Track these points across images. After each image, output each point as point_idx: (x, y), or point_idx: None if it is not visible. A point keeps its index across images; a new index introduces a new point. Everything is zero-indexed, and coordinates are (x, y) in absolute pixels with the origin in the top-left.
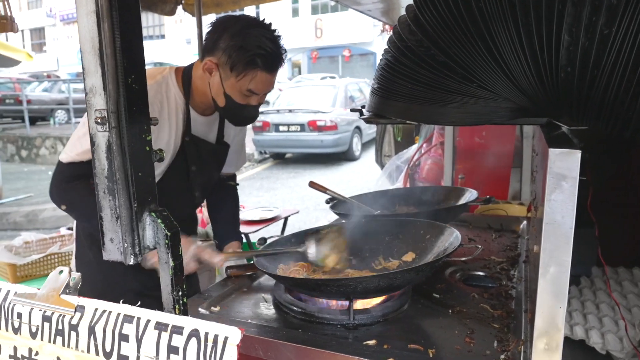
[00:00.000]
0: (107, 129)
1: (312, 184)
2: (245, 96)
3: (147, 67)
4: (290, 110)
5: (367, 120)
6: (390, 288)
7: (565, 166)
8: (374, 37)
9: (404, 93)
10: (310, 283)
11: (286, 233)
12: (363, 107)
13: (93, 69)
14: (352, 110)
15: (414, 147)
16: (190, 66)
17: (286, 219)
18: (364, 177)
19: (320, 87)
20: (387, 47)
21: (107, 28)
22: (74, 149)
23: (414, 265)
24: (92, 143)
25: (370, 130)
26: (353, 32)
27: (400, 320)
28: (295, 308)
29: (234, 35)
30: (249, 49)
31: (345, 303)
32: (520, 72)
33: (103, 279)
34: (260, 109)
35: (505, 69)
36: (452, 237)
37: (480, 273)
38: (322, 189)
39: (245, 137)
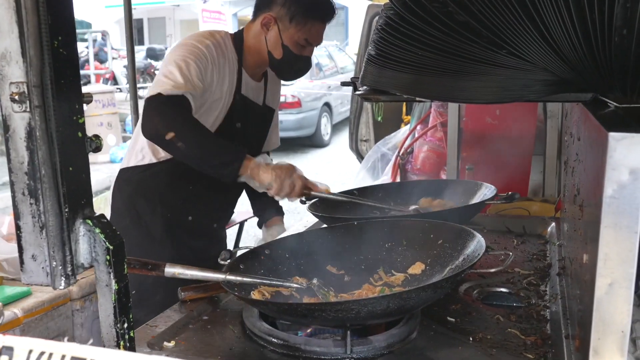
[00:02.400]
0: (28, 109)
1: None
2: (301, 46)
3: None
4: None
5: (364, 97)
6: (402, 311)
7: (630, 155)
8: None
9: (412, 62)
10: (300, 309)
11: (242, 241)
12: (355, 79)
13: (7, 27)
14: (344, 84)
15: (405, 129)
16: (241, 31)
17: (242, 224)
18: (337, 167)
19: None
20: (388, 1)
21: None
22: (174, 82)
23: (427, 279)
24: (7, 128)
25: (344, 109)
26: None
27: (409, 353)
28: (274, 340)
29: None
30: (307, 0)
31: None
32: (563, 35)
33: (137, 246)
34: None
35: (543, 31)
36: (474, 243)
37: (503, 289)
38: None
39: (278, 115)
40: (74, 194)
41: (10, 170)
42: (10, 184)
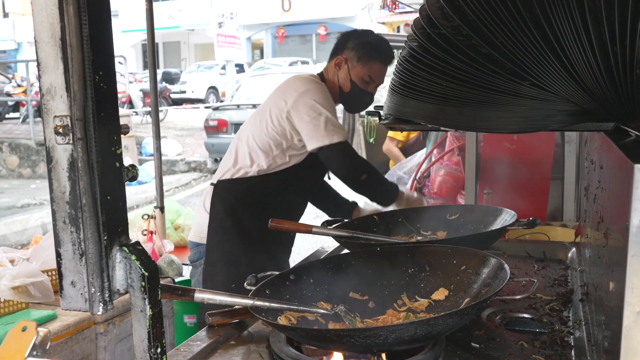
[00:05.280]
0: (71, 141)
1: (275, 224)
2: (366, 82)
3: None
4: (253, 106)
5: (389, 126)
6: (428, 337)
7: None
8: (357, 10)
9: (436, 92)
10: (329, 335)
11: None
12: (380, 108)
13: (52, 63)
14: (369, 113)
15: (421, 153)
16: (321, 73)
17: None
18: (350, 191)
19: (291, 75)
20: (412, 33)
21: (73, 12)
22: (342, 129)
23: (451, 305)
24: (50, 159)
25: None
26: (330, 5)
27: None
28: None
29: (358, 36)
30: (372, 44)
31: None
32: (586, 67)
33: (237, 244)
34: (216, 105)
35: (566, 63)
36: (497, 269)
37: (526, 315)
38: (290, 227)
39: None
40: (111, 222)
41: (52, 200)
42: (52, 212)
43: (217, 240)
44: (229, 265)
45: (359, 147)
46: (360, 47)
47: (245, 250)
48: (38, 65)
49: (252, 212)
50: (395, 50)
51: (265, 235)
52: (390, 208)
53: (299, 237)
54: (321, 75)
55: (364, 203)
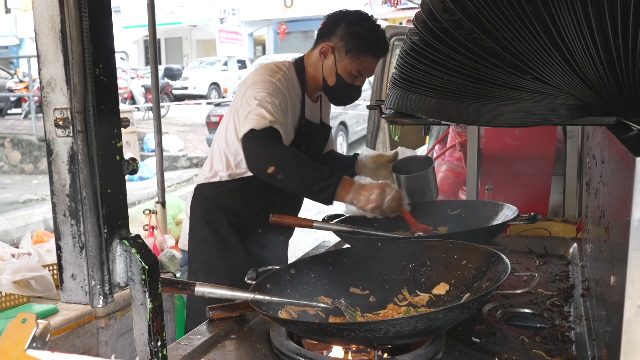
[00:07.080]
0: (71, 134)
1: (276, 218)
2: (353, 77)
3: None
4: None
5: (390, 120)
6: (429, 331)
7: None
8: (359, 6)
9: (437, 86)
10: (330, 329)
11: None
12: (381, 102)
13: (52, 56)
14: (370, 107)
15: (423, 149)
16: (301, 59)
17: None
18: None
19: None
20: (413, 27)
21: (73, 4)
22: (261, 117)
23: (451, 299)
24: (50, 152)
25: (359, 128)
26: (332, 0)
27: None
28: (302, 359)
29: (349, 24)
30: (363, 37)
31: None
32: (588, 61)
33: (215, 253)
34: (217, 101)
35: (568, 57)
36: (498, 264)
37: (527, 310)
38: (291, 222)
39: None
40: (112, 215)
41: (52, 193)
42: (52, 205)
43: (196, 247)
44: (208, 274)
45: (384, 145)
46: (350, 38)
47: (225, 258)
48: (38, 58)
49: (229, 218)
50: (400, 42)
51: (247, 244)
52: (344, 206)
53: (301, 233)
54: (298, 63)
55: (365, 156)
